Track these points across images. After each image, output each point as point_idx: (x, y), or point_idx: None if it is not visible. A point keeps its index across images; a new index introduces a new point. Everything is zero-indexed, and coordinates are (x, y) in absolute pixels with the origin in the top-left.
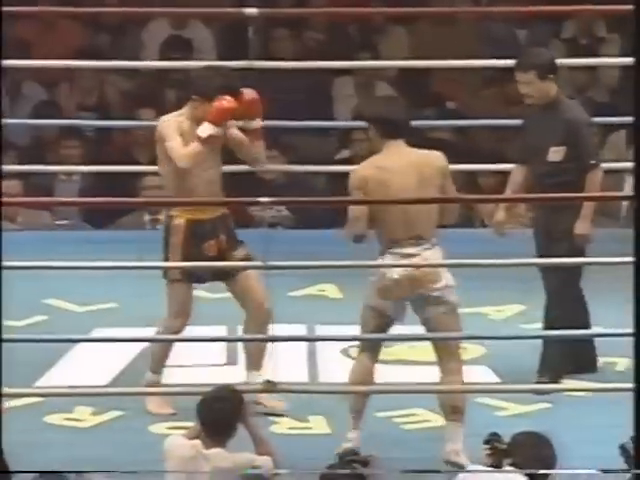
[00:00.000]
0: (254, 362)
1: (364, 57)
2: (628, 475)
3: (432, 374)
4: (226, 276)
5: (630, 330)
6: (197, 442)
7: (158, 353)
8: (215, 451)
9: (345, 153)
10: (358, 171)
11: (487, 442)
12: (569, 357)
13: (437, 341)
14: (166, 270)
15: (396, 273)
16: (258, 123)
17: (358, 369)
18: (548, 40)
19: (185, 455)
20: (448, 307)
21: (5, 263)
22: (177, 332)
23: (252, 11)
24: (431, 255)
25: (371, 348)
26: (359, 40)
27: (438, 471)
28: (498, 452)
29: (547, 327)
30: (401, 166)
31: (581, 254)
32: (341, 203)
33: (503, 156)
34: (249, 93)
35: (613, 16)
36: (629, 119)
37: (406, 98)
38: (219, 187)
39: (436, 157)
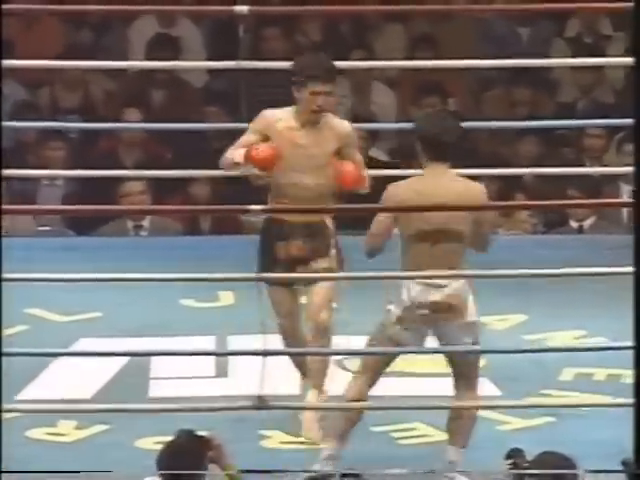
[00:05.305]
0: (314, 381)
1: (358, 56)
2: None
3: (431, 386)
4: (302, 282)
5: (630, 343)
6: None
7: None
8: None
9: None
10: (395, 193)
11: (508, 457)
12: None
13: (457, 362)
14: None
15: (425, 307)
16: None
17: (355, 389)
18: (551, 39)
19: None
20: (471, 341)
21: (5, 275)
22: (285, 330)
23: (242, 9)
24: (460, 286)
25: (374, 371)
26: (353, 39)
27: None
28: (519, 469)
29: None
30: (439, 194)
31: None
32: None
33: (504, 160)
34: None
35: (619, 13)
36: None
37: (405, 99)
38: (313, 193)
39: (478, 190)
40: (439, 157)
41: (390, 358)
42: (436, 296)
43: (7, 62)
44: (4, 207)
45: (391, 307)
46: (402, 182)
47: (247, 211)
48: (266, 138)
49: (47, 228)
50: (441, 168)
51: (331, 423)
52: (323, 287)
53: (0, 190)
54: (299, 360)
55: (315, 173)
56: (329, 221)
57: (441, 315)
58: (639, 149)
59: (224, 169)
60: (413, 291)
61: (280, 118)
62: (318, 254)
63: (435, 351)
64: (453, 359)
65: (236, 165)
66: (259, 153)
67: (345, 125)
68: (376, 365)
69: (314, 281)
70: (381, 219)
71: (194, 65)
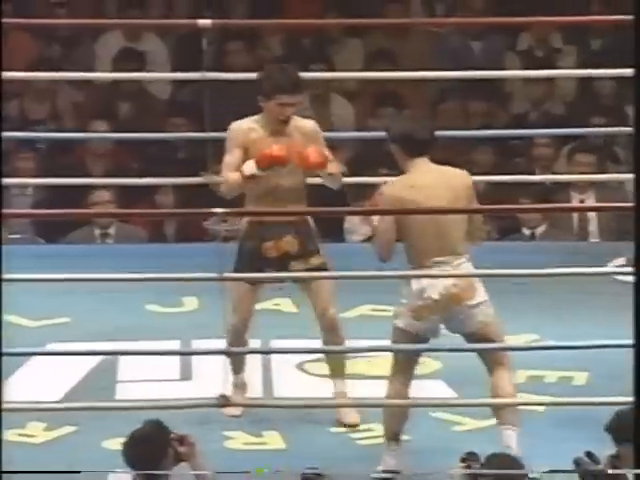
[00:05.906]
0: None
1: (318, 69)
2: None
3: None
4: (296, 280)
5: (630, 341)
6: None
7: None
8: None
9: None
10: (390, 191)
11: (463, 461)
12: None
13: (482, 351)
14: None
15: (436, 293)
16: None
17: (392, 391)
18: (504, 52)
19: None
20: (487, 319)
21: (5, 276)
22: (237, 330)
23: (206, 22)
24: (466, 270)
25: (403, 370)
26: (313, 52)
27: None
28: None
29: None
30: (432, 184)
31: None
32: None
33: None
34: (314, 152)
35: (569, 27)
36: (585, 131)
37: (363, 110)
38: (291, 194)
39: (463, 175)
40: (418, 153)
41: (416, 354)
42: (444, 281)
43: None
44: (4, 211)
45: (403, 299)
46: (392, 181)
47: (213, 214)
48: (246, 150)
49: (18, 236)
50: (422, 162)
51: (383, 426)
52: (325, 283)
53: (1, 195)
54: (239, 358)
55: (291, 175)
56: (310, 220)
57: (451, 299)
58: (639, 152)
59: (226, 192)
60: (423, 280)
61: (251, 128)
62: (309, 252)
63: (448, 350)
64: (474, 341)
65: (251, 177)
66: (276, 151)
67: (310, 123)
68: (405, 364)
69: (309, 278)
70: (383, 222)
71: (160, 77)
